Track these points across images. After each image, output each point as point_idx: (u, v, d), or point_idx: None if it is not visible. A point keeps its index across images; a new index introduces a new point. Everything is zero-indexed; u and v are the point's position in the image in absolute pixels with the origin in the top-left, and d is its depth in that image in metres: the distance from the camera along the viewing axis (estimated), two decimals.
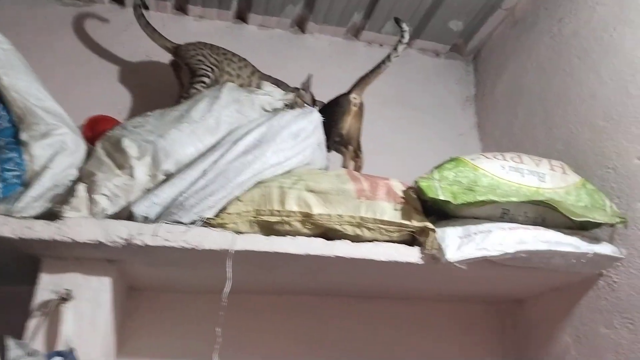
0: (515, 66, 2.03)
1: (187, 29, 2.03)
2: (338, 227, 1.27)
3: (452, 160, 1.39)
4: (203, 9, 2.04)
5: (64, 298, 1.17)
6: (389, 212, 1.30)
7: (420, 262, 1.30)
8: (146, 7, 1.77)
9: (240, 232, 1.23)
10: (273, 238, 1.23)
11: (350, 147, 1.60)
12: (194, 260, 1.26)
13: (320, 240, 1.26)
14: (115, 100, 1.87)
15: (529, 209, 1.35)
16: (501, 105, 2.09)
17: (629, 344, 1.36)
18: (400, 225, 1.30)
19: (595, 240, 1.38)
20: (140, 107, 1.81)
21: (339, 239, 1.28)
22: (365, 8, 2.09)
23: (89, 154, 1.35)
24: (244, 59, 1.75)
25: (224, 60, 1.68)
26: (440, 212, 1.39)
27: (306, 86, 1.73)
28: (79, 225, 1.15)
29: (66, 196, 1.24)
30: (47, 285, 1.19)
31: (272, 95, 1.55)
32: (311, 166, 1.44)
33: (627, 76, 1.48)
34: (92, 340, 1.19)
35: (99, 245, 1.15)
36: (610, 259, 1.40)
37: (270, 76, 1.76)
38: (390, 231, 1.30)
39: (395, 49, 1.61)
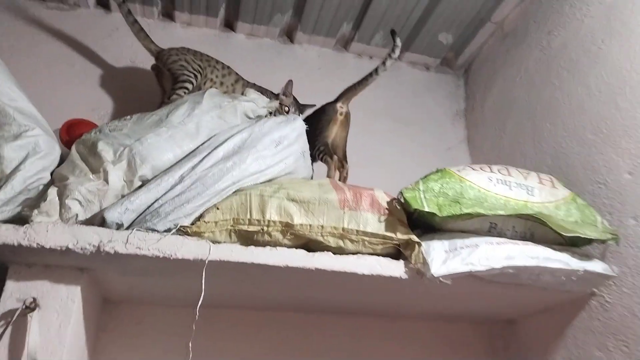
0: (505, 79, 2.02)
1: (173, 36, 2.00)
2: (320, 238, 1.23)
3: (438, 171, 1.36)
4: (190, 15, 2.01)
5: (30, 307, 1.11)
6: (373, 223, 1.26)
7: (405, 276, 1.25)
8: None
9: (217, 242, 1.18)
10: (251, 248, 1.19)
11: (336, 157, 1.57)
12: (168, 270, 1.20)
13: (301, 251, 1.21)
14: (98, 105, 1.83)
15: (517, 223, 1.32)
16: (490, 119, 2.08)
17: None
18: (384, 237, 1.26)
19: (586, 257, 1.34)
20: (123, 113, 1.74)
21: (322, 250, 1.23)
22: (355, 19, 2.08)
23: (65, 158, 1.30)
24: (228, 67, 1.72)
25: (208, 67, 1.65)
26: (427, 225, 1.35)
27: (287, 91, 1.70)
28: (46, 231, 1.10)
29: (37, 200, 1.19)
30: (12, 294, 1.13)
31: (256, 102, 1.52)
32: (294, 175, 1.40)
33: (615, 88, 1.47)
34: (59, 352, 1.12)
35: (68, 251, 1.10)
36: (602, 277, 1.36)
37: (254, 84, 1.72)
38: (374, 243, 1.26)
39: (383, 63, 1.60)
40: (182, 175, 1.23)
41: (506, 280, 1.29)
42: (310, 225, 1.22)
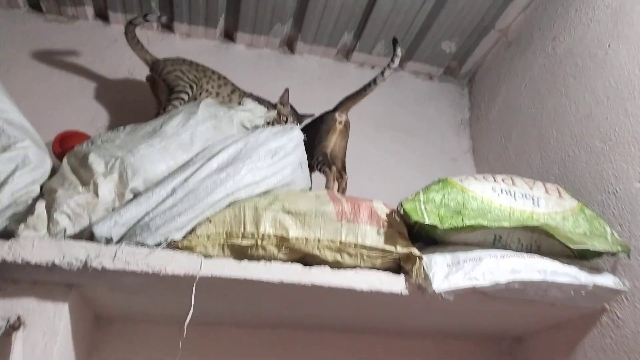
0: (509, 88, 1.98)
1: (173, 47, 1.98)
2: (316, 252, 1.18)
3: (439, 181, 1.31)
4: (189, 26, 2.00)
5: (14, 326, 1.08)
6: (372, 236, 1.21)
7: (406, 292, 1.20)
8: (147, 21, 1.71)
9: (210, 256, 1.14)
10: (244, 263, 1.14)
11: (334, 167, 1.53)
12: (158, 286, 1.16)
13: (296, 266, 1.17)
14: (96, 117, 1.82)
15: (522, 235, 1.26)
16: (495, 129, 2.03)
17: None
18: (384, 251, 1.21)
19: (596, 270, 1.28)
20: (121, 125, 1.73)
21: (318, 265, 1.19)
22: (356, 28, 2.05)
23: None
24: (224, 77, 1.69)
25: (204, 77, 1.62)
26: (429, 238, 1.31)
27: (284, 100, 1.67)
28: (32, 245, 1.06)
29: (25, 214, 1.16)
30: None
31: (253, 112, 1.48)
32: (291, 187, 1.36)
33: (624, 94, 1.42)
34: None
35: (54, 267, 1.06)
36: (613, 292, 1.30)
37: (252, 94, 1.70)
38: (373, 257, 1.21)
39: (382, 72, 1.56)
40: (174, 187, 1.19)
41: (512, 295, 1.23)
42: (306, 239, 1.18)
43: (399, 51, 1.56)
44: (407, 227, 1.28)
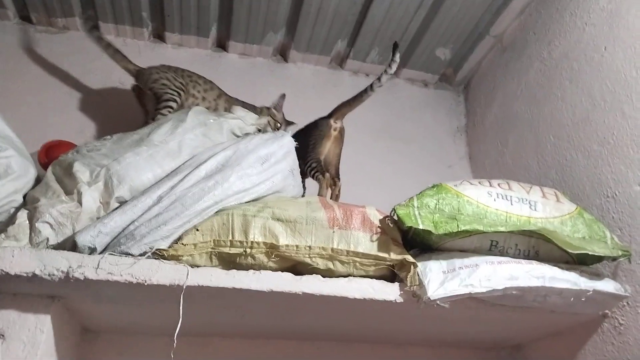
0: (505, 94, 1.96)
1: (164, 57, 1.95)
2: (307, 260, 1.15)
3: (433, 186, 1.28)
4: (181, 36, 1.99)
5: None
6: (365, 243, 1.18)
7: (400, 300, 1.17)
8: (97, 28, 1.71)
9: (197, 266, 1.11)
10: (233, 272, 1.11)
11: (328, 174, 1.50)
12: (143, 297, 1.13)
13: (286, 274, 1.13)
14: (84, 127, 1.80)
15: (519, 240, 1.23)
16: (492, 135, 2.01)
17: None
18: (377, 258, 1.18)
19: (596, 276, 1.25)
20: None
21: (310, 274, 1.15)
22: (349, 36, 2.04)
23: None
24: (210, 81, 1.67)
25: (190, 82, 1.60)
26: (424, 245, 1.28)
27: (278, 106, 1.65)
28: (12, 256, 1.03)
29: (7, 224, 1.13)
30: None
31: (244, 120, 1.46)
32: (282, 194, 1.32)
33: (621, 96, 1.40)
34: None
35: (35, 278, 1.03)
36: (614, 298, 1.27)
37: (237, 99, 1.68)
38: (366, 265, 1.18)
39: (379, 78, 1.53)
40: (160, 195, 1.16)
41: (510, 302, 1.20)
42: (297, 246, 1.15)
43: (397, 57, 1.53)
44: (402, 234, 1.25)
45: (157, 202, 1.15)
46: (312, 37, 2.00)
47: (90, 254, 1.08)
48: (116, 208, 1.17)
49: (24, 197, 1.20)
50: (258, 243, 1.14)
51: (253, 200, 1.24)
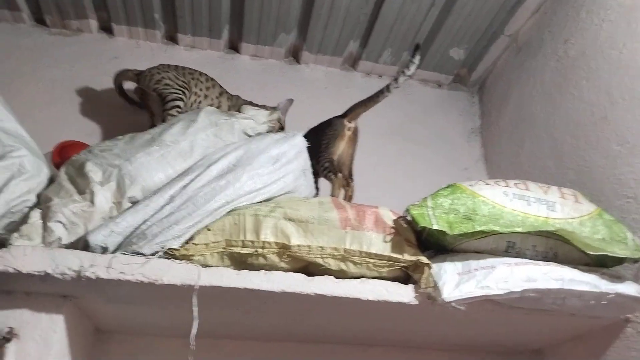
0: (521, 94, 1.93)
1: (177, 59, 1.95)
2: (319, 261, 1.13)
3: (448, 186, 1.25)
4: (193, 38, 1.99)
5: (6, 337, 1.04)
6: (378, 244, 1.16)
7: (414, 302, 1.15)
8: None
9: (208, 266, 1.10)
10: (244, 272, 1.10)
11: (340, 175, 1.48)
12: (154, 297, 1.12)
13: (298, 275, 1.12)
14: (97, 128, 1.80)
15: (537, 241, 1.20)
16: (507, 136, 1.98)
17: None
18: (390, 259, 1.16)
19: (618, 278, 1.20)
20: None
21: (322, 274, 1.14)
22: (361, 37, 2.03)
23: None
24: (212, 79, 1.67)
25: (192, 80, 1.60)
26: (439, 246, 1.25)
27: (283, 109, 1.63)
28: (24, 255, 1.04)
29: (21, 223, 1.13)
30: None
31: (255, 119, 1.45)
32: (294, 194, 1.32)
33: None
34: None
35: (47, 277, 1.03)
36: (636, 301, 1.22)
37: (239, 97, 1.67)
38: (379, 266, 1.16)
39: (396, 79, 1.48)
40: (172, 195, 1.16)
41: (528, 305, 1.17)
42: (309, 247, 1.13)
43: (416, 58, 1.47)
44: (416, 235, 1.23)
45: (169, 202, 1.14)
46: (324, 38, 1.99)
47: (102, 253, 1.08)
48: (128, 208, 1.17)
49: (38, 196, 1.20)
50: (269, 243, 1.12)
51: (265, 201, 1.23)
